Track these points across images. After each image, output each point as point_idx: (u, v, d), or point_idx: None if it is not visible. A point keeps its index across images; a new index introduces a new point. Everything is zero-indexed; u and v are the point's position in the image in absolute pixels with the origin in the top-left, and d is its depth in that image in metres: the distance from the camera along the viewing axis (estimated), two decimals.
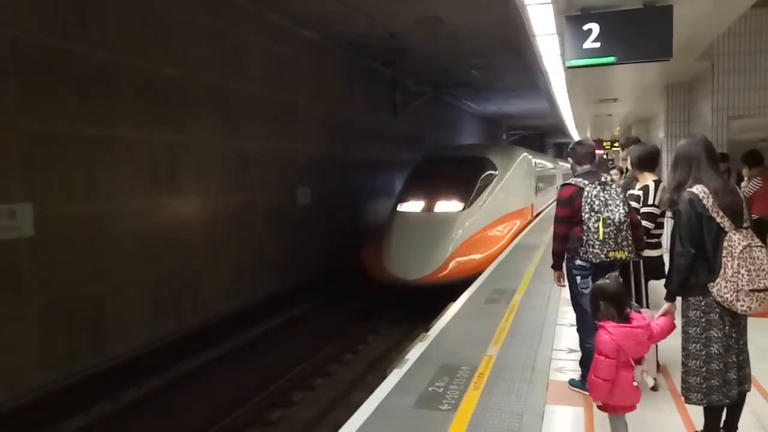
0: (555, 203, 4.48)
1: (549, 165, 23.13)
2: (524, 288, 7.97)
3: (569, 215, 4.20)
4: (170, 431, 6.94)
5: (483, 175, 12.71)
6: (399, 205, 12.37)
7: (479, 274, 9.26)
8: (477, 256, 10.95)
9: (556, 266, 4.47)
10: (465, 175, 12.67)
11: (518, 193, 14.50)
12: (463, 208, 11.72)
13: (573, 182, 4.27)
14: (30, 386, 6.58)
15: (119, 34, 7.79)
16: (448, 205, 11.83)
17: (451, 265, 10.64)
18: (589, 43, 5.40)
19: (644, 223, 4.49)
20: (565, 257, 4.37)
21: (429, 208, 11.88)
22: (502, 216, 12.69)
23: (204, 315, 9.48)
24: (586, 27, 5.39)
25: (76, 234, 7.17)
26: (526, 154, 15.96)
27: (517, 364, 4.94)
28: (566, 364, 4.93)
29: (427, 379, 4.65)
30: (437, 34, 13.02)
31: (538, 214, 17.96)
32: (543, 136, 43.81)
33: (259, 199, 11.17)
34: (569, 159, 4.63)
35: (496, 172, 12.92)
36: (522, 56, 14.50)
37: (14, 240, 6.42)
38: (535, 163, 17.70)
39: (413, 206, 12.13)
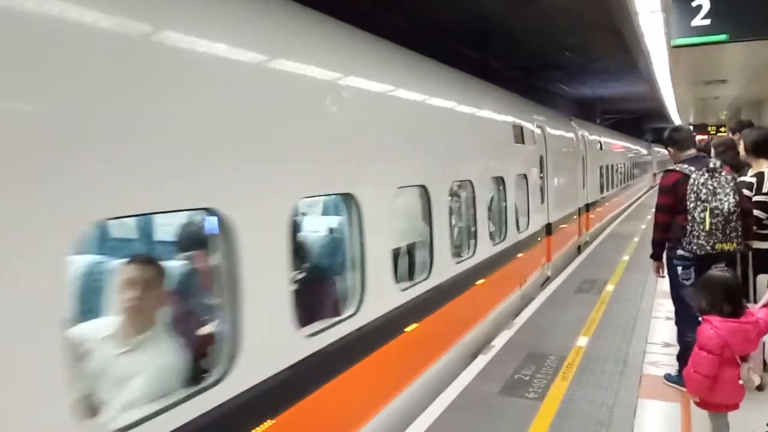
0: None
1: None
2: (617, 278, 7.68)
3: (672, 203, 3.98)
4: None
5: None
6: None
7: None
8: None
9: (656, 256, 4.27)
10: None
11: None
12: None
13: (678, 168, 4.02)
14: None
15: None
16: None
17: None
18: (698, 21, 5.05)
19: (756, 212, 4.17)
20: (666, 246, 4.16)
21: None
22: None
23: None
24: (695, 3, 5.04)
25: None
26: None
27: (608, 356, 4.79)
28: (661, 358, 4.72)
29: (512, 366, 4.60)
30: (528, 14, 12.58)
31: None
32: (641, 120, 41.65)
33: None
34: (668, 148, 4.36)
35: None
36: (620, 36, 13.75)
37: None
38: None
39: None
